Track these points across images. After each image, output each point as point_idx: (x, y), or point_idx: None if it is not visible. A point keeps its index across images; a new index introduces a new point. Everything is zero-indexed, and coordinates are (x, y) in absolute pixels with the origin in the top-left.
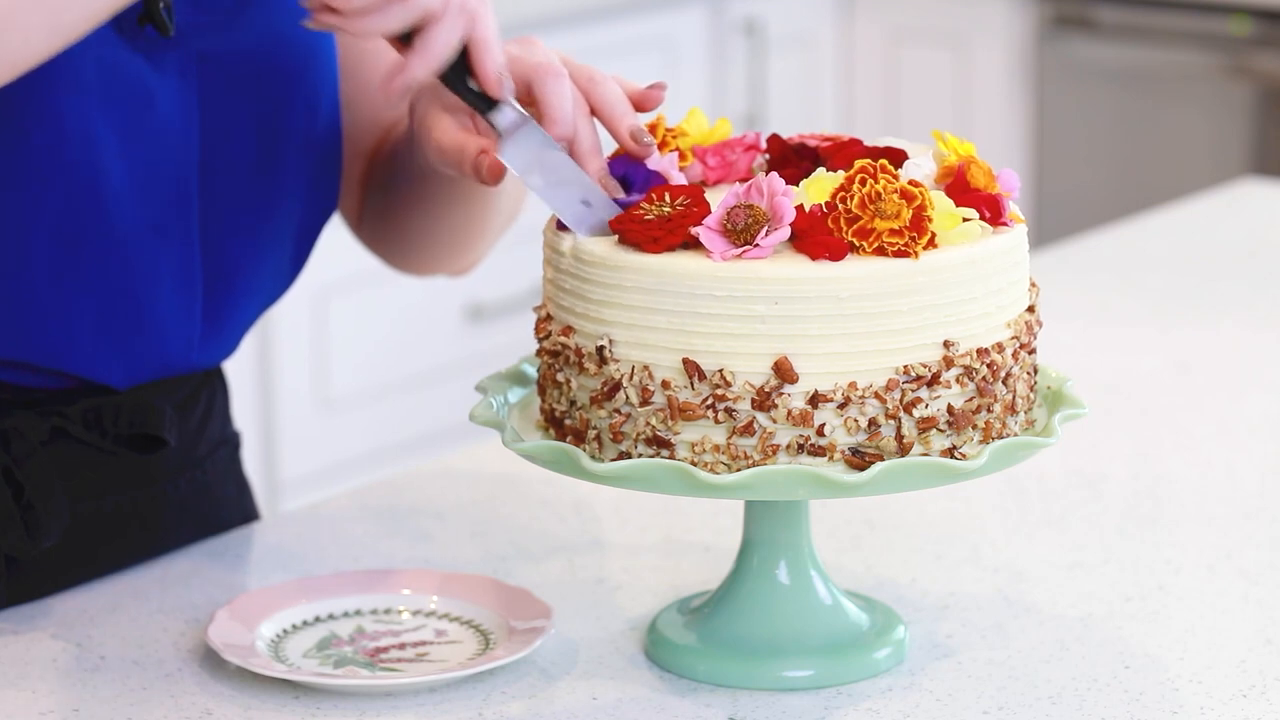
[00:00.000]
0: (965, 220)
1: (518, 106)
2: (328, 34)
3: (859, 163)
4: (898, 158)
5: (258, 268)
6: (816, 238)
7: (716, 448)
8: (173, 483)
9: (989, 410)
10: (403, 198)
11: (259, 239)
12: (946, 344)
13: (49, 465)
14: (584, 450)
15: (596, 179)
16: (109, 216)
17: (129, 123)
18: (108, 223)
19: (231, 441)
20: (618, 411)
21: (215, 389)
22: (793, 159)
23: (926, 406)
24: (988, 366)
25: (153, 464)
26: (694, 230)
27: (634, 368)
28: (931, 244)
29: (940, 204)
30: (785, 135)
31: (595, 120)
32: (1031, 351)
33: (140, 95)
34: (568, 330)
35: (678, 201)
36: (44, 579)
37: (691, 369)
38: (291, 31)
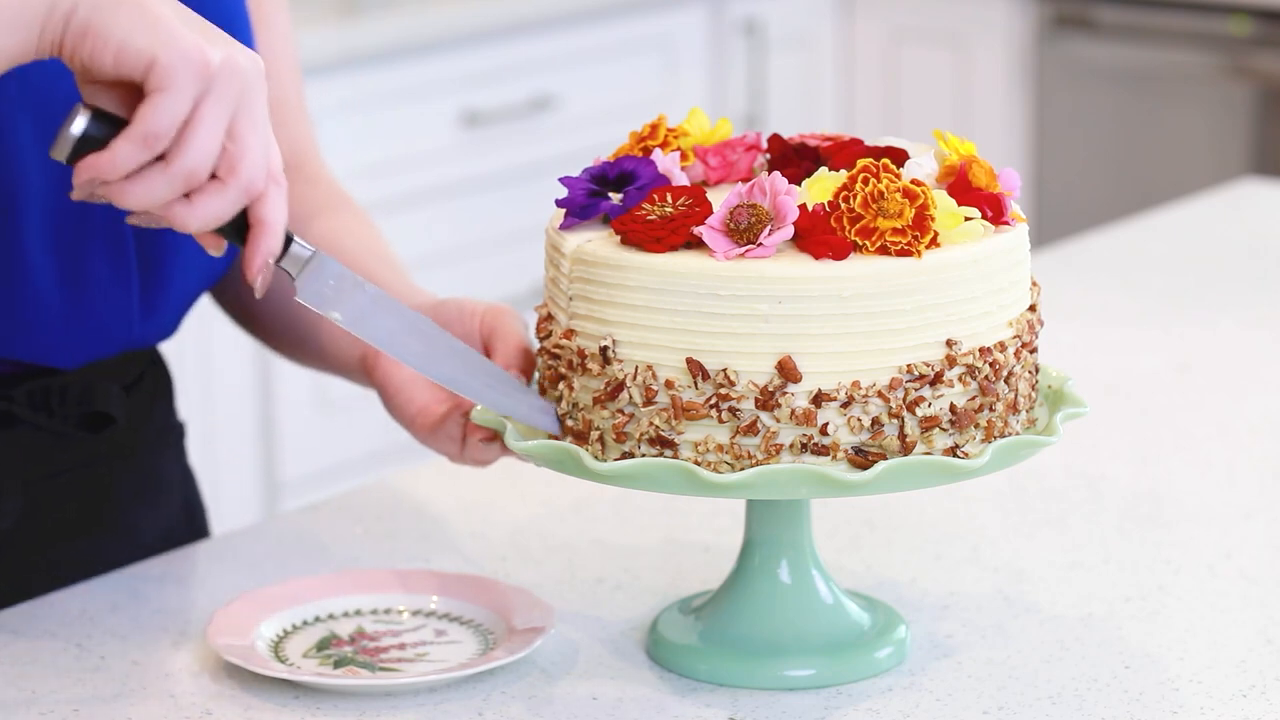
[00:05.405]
0: (967, 219)
1: (306, 246)
2: (241, 9)
3: (861, 162)
4: (899, 157)
5: (190, 239)
6: (819, 237)
7: (720, 447)
8: (121, 462)
9: (991, 409)
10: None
11: None
12: (949, 343)
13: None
14: (586, 450)
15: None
16: (29, 199)
17: (46, 110)
18: (29, 207)
19: (177, 430)
20: (621, 412)
21: (160, 374)
22: (794, 159)
23: (929, 405)
24: (990, 365)
25: (102, 444)
26: (697, 230)
27: (637, 368)
28: (934, 243)
29: (942, 203)
30: (785, 135)
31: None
32: (1033, 350)
33: (57, 82)
34: (570, 331)
35: (680, 201)
36: None
37: (695, 369)
38: (203, 3)
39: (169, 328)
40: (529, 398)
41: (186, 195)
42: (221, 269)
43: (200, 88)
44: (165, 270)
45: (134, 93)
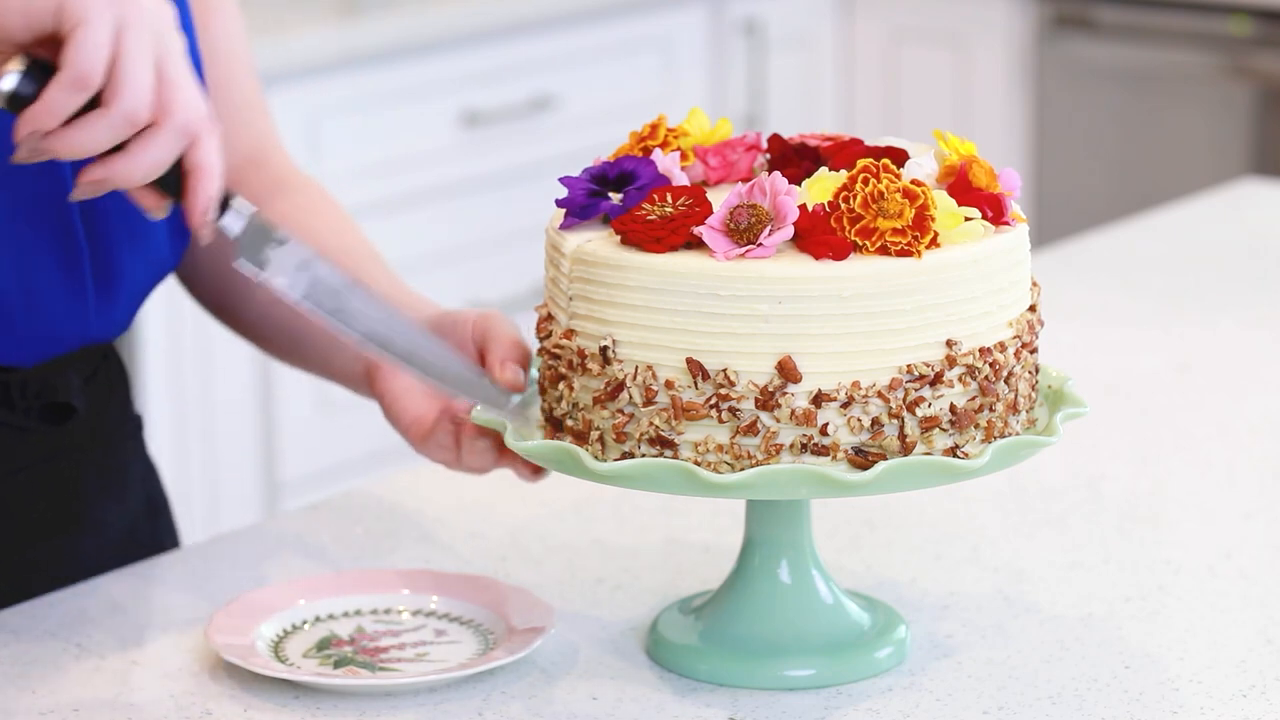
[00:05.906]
0: (967, 219)
1: (246, 208)
2: (182, 3)
3: (861, 162)
4: (899, 157)
5: (142, 231)
6: (819, 237)
7: (720, 447)
8: (83, 455)
9: (991, 409)
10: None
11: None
12: (949, 343)
13: None
14: (586, 450)
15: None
16: None
17: None
18: None
19: (135, 421)
20: (621, 412)
21: (114, 367)
22: (794, 159)
23: (929, 405)
24: (990, 365)
25: (64, 437)
26: (697, 230)
27: (637, 368)
28: (934, 243)
29: (943, 203)
30: (785, 135)
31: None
32: (1033, 350)
33: None
34: (570, 331)
35: (680, 201)
36: None
37: (695, 369)
38: None
39: (123, 323)
40: (485, 381)
41: (123, 147)
42: (172, 261)
43: (116, 14)
44: (117, 265)
45: (56, 50)
